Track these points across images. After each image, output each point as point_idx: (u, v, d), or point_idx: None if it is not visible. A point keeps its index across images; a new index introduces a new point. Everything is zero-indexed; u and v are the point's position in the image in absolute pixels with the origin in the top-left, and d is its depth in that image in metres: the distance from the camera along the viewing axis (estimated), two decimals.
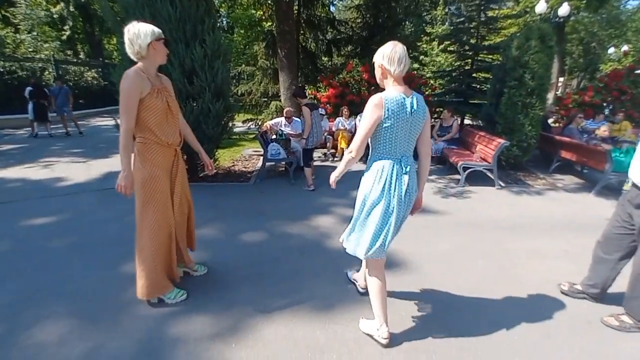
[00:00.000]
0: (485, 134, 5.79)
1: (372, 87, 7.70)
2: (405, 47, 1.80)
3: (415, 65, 12.31)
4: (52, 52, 14.80)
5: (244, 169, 6.17)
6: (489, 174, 5.33)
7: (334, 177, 1.98)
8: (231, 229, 3.58)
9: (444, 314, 2.28)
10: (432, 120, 8.66)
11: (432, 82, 9.86)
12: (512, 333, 2.11)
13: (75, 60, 16.71)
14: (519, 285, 2.64)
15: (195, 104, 4.37)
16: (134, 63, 2.05)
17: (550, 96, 10.74)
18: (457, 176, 5.54)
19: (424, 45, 14.16)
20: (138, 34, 1.95)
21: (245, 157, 7.16)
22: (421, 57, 12.12)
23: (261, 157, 6.76)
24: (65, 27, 16.89)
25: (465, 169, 5.30)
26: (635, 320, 2.14)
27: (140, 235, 2.16)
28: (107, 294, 2.42)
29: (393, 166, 1.81)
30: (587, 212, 4.27)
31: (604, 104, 8.89)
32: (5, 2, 17.60)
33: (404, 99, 1.75)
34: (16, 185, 4.98)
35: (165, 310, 2.25)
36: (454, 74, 9.73)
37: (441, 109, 8.35)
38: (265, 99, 9.80)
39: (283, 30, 7.79)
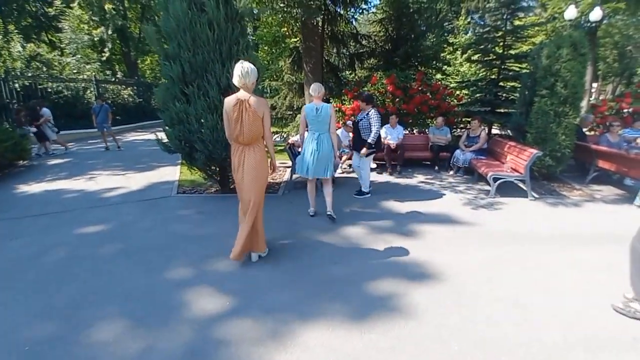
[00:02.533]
0: (515, 144, 5.68)
1: (397, 99, 7.75)
2: (321, 84, 3.93)
3: (439, 76, 12.26)
4: (93, 73, 15.94)
5: (271, 181, 6.34)
6: (521, 184, 5.20)
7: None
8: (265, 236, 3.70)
9: (482, 327, 2.26)
10: (458, 130, 8.57)
11: (457, 92, 9.78)
12: (553, 348, 2.07)
13: (113, 79, 17.90)
14: (560, 298, 2.58)
15: None
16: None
17: (583, 104, 10.33)
18: (486, 187, 5.45)
19: (448, 56, 14.12)
20: (251, 72, 2.78)
21: None
22: (444, 67, 12.07)
23: (287, 169, 6.94)
24: (105, 50, 18.20)
25: (495, 179, 5.20)
26: None
27: (257, 209, 3.02)
28: (154, 297, 2.59)
29: (311, 135, 3.94)
30: (630, 224, 4.06)
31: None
32: (52, 28, 19.27)
33: (315, 106, 3.85)
34: (68, 196, 5.39)
35: (209, 313, 2.38)
36: (480, 84, 9.61)
37: (468, 119, 8.25)
38: (290, 112, 10.08)
39: (309, 47, 8.06)
